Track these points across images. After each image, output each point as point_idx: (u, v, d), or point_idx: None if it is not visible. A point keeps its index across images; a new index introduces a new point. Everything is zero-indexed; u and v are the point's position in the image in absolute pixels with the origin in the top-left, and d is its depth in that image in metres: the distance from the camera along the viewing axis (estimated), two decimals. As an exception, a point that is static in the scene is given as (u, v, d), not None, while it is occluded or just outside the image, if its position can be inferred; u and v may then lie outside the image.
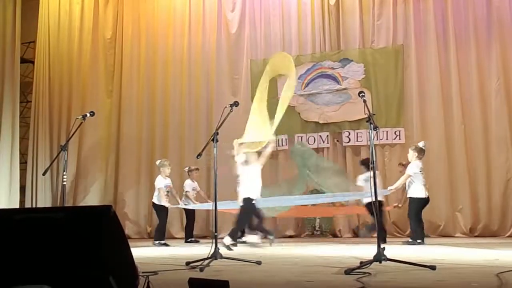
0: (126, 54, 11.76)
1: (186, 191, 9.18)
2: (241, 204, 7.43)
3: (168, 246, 8.30)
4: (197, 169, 9.38)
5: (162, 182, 8.78)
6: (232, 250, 6.79)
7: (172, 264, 5.19)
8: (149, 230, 10.92)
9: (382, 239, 7.53)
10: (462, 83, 9.64)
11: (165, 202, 8.68)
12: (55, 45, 11.85)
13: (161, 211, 8.72)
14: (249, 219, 7.61)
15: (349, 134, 10.11)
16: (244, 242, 7.95)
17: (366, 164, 7.91)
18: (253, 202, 7.39)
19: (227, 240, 7.09)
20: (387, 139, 9.87)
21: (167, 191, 8.80)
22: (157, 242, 8.48)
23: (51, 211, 3.48)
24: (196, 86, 11.22)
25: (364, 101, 4.85)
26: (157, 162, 9.11)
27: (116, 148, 11.52)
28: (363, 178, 7.87)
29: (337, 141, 10.27)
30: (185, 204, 9.04)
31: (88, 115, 6.17)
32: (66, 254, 2.67)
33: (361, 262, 4.29)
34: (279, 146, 10.46)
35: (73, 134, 6.13)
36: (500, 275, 3.65)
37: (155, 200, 8.80)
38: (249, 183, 7.45)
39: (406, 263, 4.20)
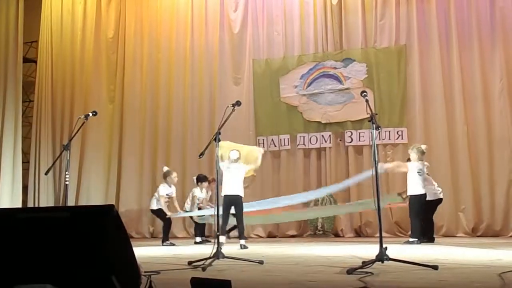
0: (129, 53, 11.77)
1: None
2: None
3: (174, 245, 8.33)
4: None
5: (164, 190, 8.80)
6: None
7: (175, 263, 5.18)
8: (151, 230, 10.93)
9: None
10: (465, 83, 9.62)
11: (166, 210, 8.71)
12: (57, 45, 11.87)
13: (162, 214, 8.76)
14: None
15: (352, 134, 10.10)
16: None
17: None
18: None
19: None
20: (389, 138, 9.86)
21: (167, 199, 8.83)
22: (165, 243, 8.50)
23: (55, 210, 3.49)
24: (199, 85, 11.23)
25: (367, 100, 4.84)
26: (165, 169, 9.05)
27: (118, 147, 11.53)
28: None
29: (340, 140, 10.27)
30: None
31: (90, 114, 6.17)
32: (69, 253, 2.67)
33: (363, 262, 4.28)
34: (281, 145, 10.48)
35: (75, 134, 6.11)
36: (503, 275, 3.64)
37: (152, 207, 8.85)
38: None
39: (409, 263, 4.19)
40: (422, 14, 10.02)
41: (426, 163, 7.85)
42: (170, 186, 8.87)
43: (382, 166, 7.73)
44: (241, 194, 7.56)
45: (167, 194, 8.80)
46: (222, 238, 7.25)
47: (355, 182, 8.80)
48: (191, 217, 9.11)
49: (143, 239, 10.59)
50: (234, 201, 7.49)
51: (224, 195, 7.43)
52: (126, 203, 11.13)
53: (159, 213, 8.80)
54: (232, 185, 7.49)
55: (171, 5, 11.69)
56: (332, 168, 10.15)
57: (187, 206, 9.08)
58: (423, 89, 9.86)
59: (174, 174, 8.95)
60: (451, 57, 9.74)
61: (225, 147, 7.75)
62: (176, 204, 9.01)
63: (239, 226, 7.54)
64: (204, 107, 11.12)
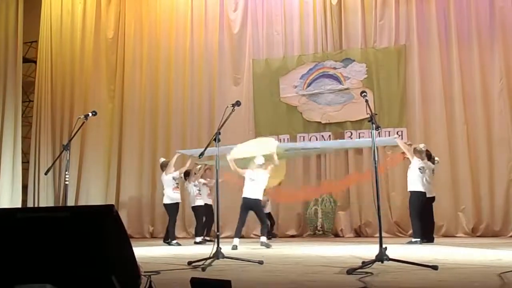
0: (128, 53, 11.78)
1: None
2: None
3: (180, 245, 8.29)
4: (208, 169, 9.27)
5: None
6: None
7: (174, 263, 5.18)
8: (151, 229, 10.94)
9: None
10: (465, 83, 9.63)
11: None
12: (57, 45, 11.88)
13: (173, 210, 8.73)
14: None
15: (351, 134, 10.11)
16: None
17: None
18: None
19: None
20: (389, 138, 9.86)
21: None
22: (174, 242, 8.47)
23: (55, 210, 3.49)
24: (199, 85, 11.24)
25: (366, 101, 4.84)
26: (161, 160, 9.09)
27: (118, 148, 11.53)
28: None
29: (340, 140, 10.26)
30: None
31: (90, 114, 6.16)
32: (69, 253, 2.67)
33: (363, 262, 4.28)
34: (281, 145, 10.47)
35: (75, 134, 6.10)
36: (503, 275, 3.63)
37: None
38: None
39: (408, 263, 4.19)
40: (421, 14, 10.03)
41: (430, 163, 7.86)
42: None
43: (396, 138, 8.03)
44: (260, 198, 7.60)
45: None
46: (237, 241, 7.22)
47: (355, 144, 9.12)
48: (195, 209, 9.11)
49: (143, 239, 10.59)
50: (252, 205, 7.48)
51: (243, 197, 7.47)
52: (126, 203, 11.13)
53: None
54: (253, 189, 7.49)
55: (170, 5, 11.69)
56: (331, 168, 10.16)
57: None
58: (422, 89, 9.86)
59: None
60: (451, 57, 9.75)
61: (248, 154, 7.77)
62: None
63: (263, 225, 7.62)
64: (203, 107, 11.12)
